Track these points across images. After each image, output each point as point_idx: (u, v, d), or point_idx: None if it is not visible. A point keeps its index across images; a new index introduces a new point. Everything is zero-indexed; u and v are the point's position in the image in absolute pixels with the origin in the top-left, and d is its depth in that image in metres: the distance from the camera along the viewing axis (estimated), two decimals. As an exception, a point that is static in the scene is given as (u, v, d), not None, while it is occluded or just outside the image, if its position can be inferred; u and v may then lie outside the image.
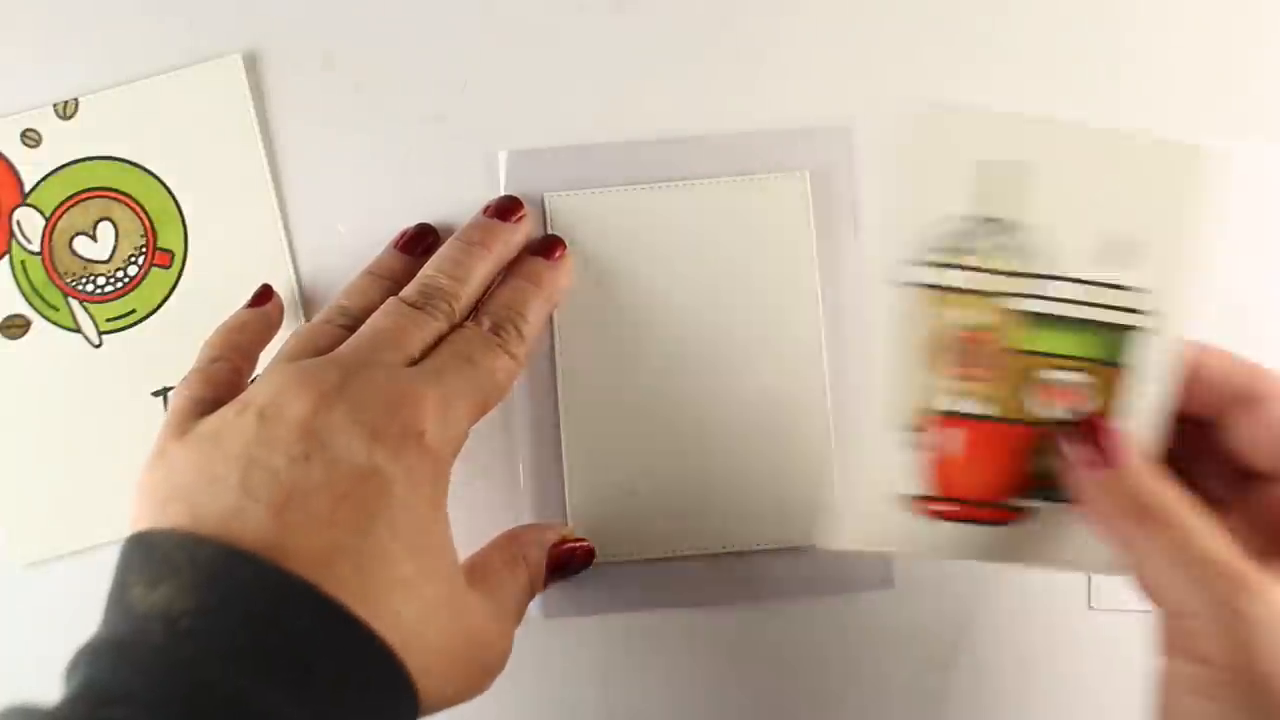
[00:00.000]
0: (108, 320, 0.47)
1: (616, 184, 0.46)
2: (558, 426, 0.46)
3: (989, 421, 0.38)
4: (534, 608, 0.45)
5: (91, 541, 0.47)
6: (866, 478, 0.38)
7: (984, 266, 0.37)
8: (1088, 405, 0.38)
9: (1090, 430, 0.37)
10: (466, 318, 0.42)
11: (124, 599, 0.32)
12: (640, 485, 0.45)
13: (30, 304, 0.47)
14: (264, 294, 0.46)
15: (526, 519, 0.46)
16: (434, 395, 0.37)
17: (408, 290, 0.42)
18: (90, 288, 0.47)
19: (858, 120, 0.47)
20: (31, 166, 0.47)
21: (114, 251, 0.47)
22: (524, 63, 0.48)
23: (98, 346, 0.47)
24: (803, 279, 0.46)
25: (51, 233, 0.47)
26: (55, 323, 0.47)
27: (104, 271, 0.47)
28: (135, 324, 0.48)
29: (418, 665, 0.33)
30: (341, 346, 0.39)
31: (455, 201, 0.47)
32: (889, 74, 0.48)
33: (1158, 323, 0.37)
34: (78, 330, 0.47)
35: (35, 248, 0.47)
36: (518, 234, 0.45)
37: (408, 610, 0.34)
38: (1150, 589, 0.34)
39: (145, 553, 0.33)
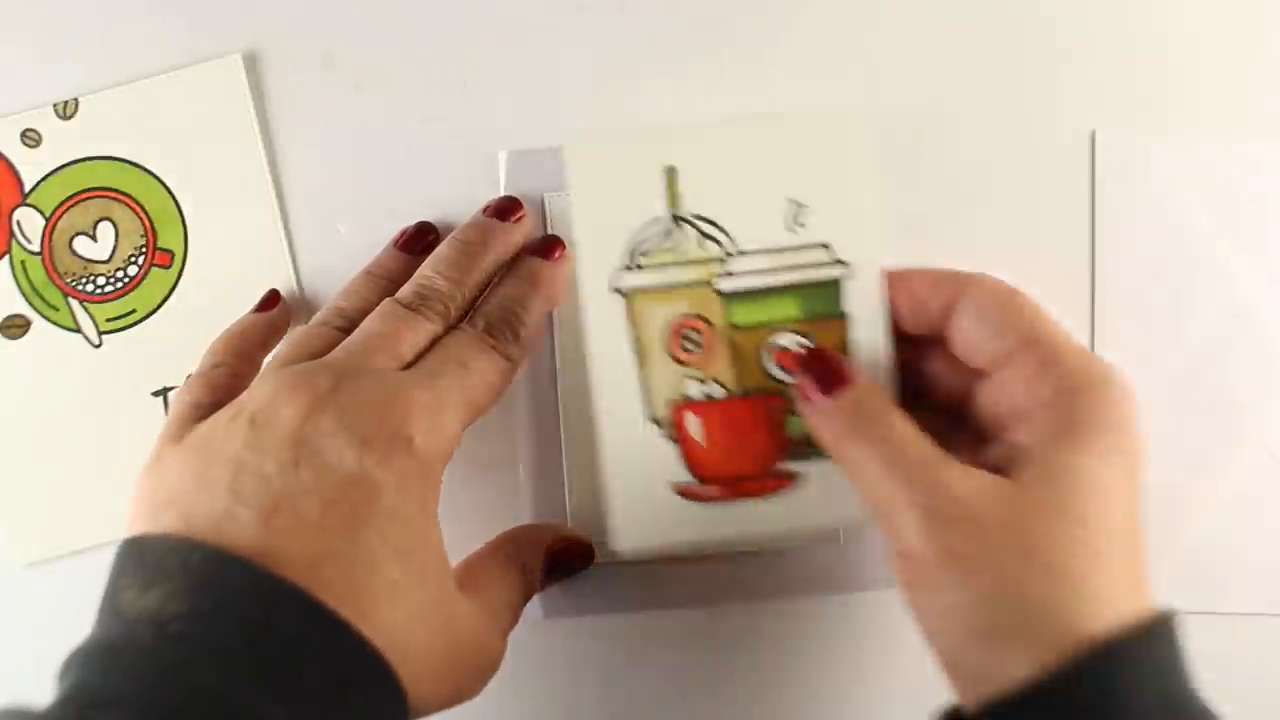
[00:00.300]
0: (108, 320, 0.47)
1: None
2: (558, 427, 0.46)
3: (732, 399, 0.41)
4: (534, 608, 0.46)
5: (92, 541, 0.47)
6: (630, 478, 0.41)
7: (686, 260, 0.41)
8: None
9: (815, 360, 0.39)
10: (463, 318, 0.42)
11: (116, 602, 0.33)
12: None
13: (30, 304, 0.47)
14: (270, 299, 0.46)
15: (526, 519, 0.46)
16: (424, 400, 0.37)
17: (403, 291, 0.42)
18: (90, 288, 0.47)
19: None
20: (31, 166, 0.47)
21: (114, 251, 0.47)
22: (524, 63, 0.48)
23: (98, 346, 0.47)
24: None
25: (51, 233, 0.47)
26: (55, 323, 0.47)
27: (104, 271, 0.47)
28: (135, 324, 0.48)
29: (408, 670, 0.34)
30: (335, 350, 0.39)
31: (455, 201, 0.47)
32: (889, 74, 0.48)
33: (851, 270, 0.41)
34: (78, 330, 0.47)
35: (35, 248, 0.47)
36: (516, 234, 0.44)
37: (397, 615, 0.34)
38: (868, 499, 0.37)
39: (138, 557, 0.33)
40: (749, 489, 0.41)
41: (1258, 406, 0.47)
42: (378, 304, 0.41)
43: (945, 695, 0.36)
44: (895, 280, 0.40)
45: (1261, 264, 0.47)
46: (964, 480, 0.34)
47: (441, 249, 0.43)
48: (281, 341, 0.45)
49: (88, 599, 0.34)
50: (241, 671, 0.31)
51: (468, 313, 0.42)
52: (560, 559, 0.43)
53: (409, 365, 0.39)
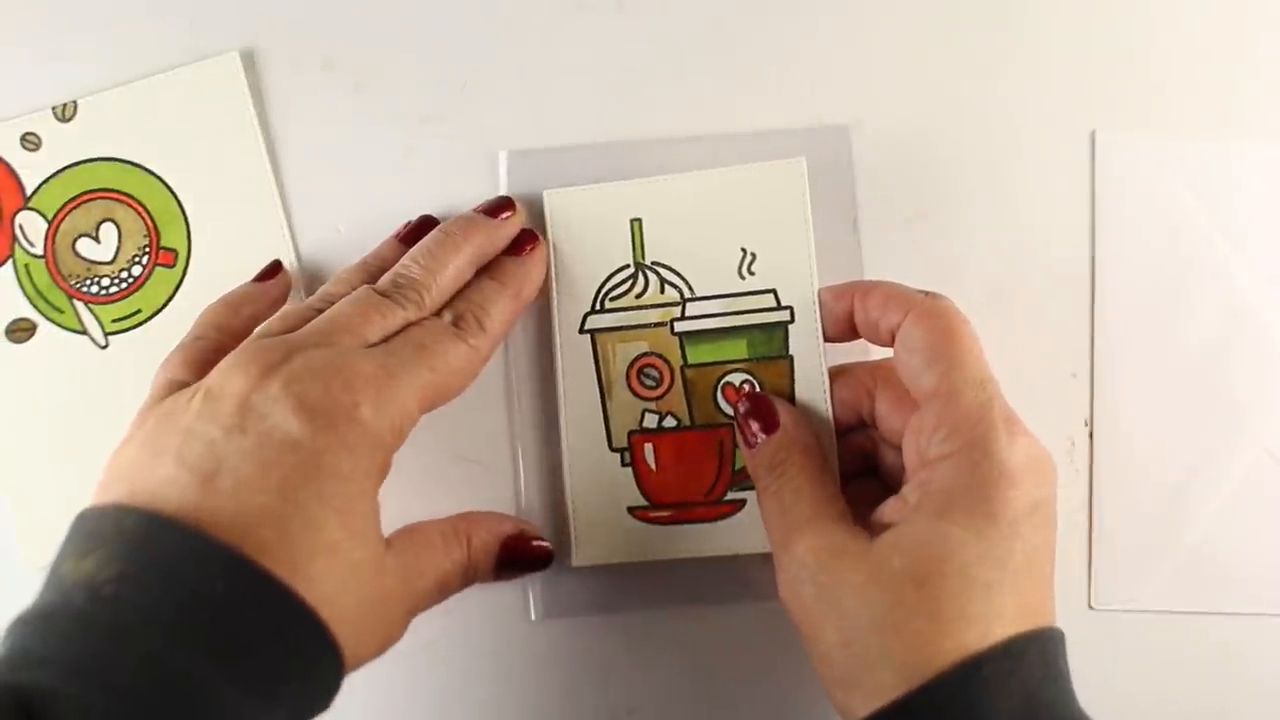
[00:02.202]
0: (113, 321, 0.48)
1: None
2: (558, 427, 0.46)
3: (684, 431, 0.45)
4: (534, 608, 0.46)
5: (100, 541, 0.47)
6: (592, 499, 0.45)
7: (647, 304, 0.45)
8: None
9: (751, 403, 0.43)
10: (441, 307, 0.42)
11: (57, 573, 0.33)
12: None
13: (35, 307, 0.47)
14: (270, 270, 0.47)
15: (526, 518, 0.46)
16: (369, 372, 0.37)
17: (382, 280, 0.42)
18: (95, 289, 0.48)
19: (856, 120, 0.47)
20: (32, 170, 0.47)
21: (117, 252, 0.48)
22: (524, 63, 0.48)
23: (104, 348, 0.48)
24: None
25: (54, 235, 0.47)
26: (61, 325, 0.48)
27: (108, 272, 0.48)
28: (141, 324, 0.48)
29: (342, 627, 0.34)
30: (303, 329, 0.39)
31: (455, 201, 0.47)
32: (890, 74, 0.48)
33: (794, 315, 0.44)
34: (84, 332, 0.48)
35: (39, 251, 0.47)
36: (502, 230, 0.44)
37: (332, 573, 0.34)
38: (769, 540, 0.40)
39: (79, 528, 0.34)
40: (697, 513, 0.45)
41: (1258, 406, 0.47)
42: None
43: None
44: (857, 293, 0.42)
45: (1260, 264, 0.47)
46: (823, 541, 0.38)
47: (424, 240, 0.43)
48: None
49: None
50: (173, 630, 0.31)
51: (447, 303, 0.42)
52: (514, 553, 0.43)
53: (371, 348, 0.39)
